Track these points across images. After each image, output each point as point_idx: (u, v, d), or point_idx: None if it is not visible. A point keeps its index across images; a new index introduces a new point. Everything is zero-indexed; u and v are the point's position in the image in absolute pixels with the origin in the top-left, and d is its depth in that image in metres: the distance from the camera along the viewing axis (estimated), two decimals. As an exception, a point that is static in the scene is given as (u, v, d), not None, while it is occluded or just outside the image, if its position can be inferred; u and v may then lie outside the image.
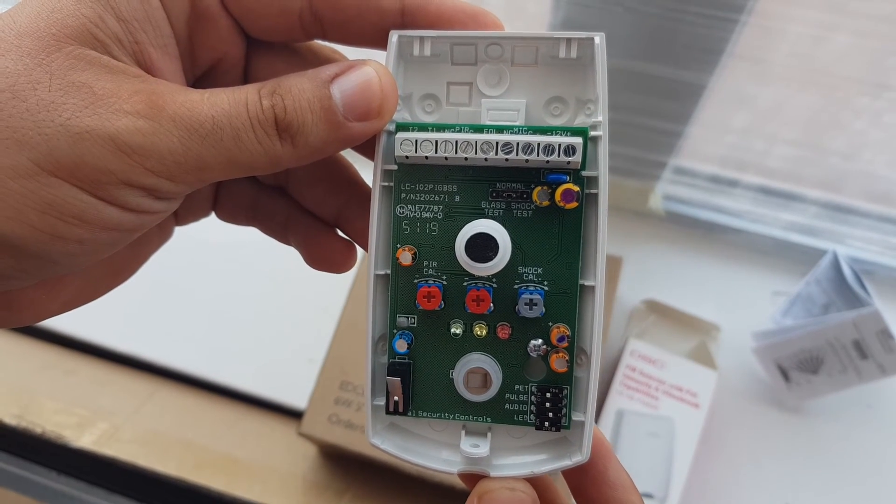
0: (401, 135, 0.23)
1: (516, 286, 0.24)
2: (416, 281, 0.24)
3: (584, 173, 0.23)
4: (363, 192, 0.28)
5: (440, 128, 0.23)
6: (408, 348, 0.24)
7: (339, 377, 0.52)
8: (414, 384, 0.25)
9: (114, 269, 0.27)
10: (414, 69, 0.25)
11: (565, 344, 0.24)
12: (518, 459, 0.25)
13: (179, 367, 0.61)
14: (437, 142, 0.23)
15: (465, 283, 0.24)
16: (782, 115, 0.58)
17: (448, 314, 0.24)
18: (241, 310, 0.64)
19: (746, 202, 0.63)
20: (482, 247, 0.22)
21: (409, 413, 0.25)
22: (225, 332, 0.62)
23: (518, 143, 0.23)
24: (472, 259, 0.22)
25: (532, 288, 0.24)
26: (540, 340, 0.24)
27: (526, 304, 0.23)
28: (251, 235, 0.65)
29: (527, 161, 0.23)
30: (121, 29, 0.21)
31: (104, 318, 0.63)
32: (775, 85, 0.56)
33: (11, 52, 0.19)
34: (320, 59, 0.27)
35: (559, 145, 0.22)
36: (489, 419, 0.25)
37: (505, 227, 0.23)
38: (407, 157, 0.23)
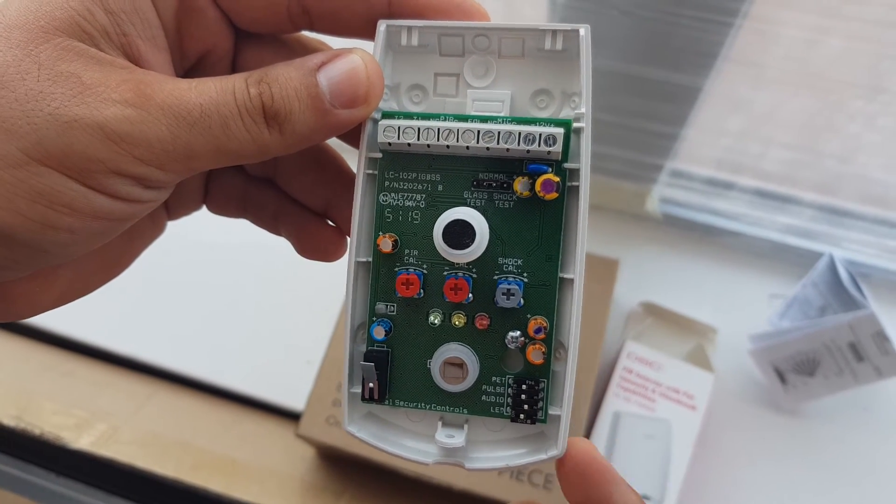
0: (384, 122, 0.24)
1: (496, 277, 0.24)
2: (396, 269, 0.24)
3: (566, 165, 0.23)
4: (351, 182, 0.28)
5: (425, 117, 0.24)
6: (385, 335, 0.24)
7: (337, 379, 0.52)
8: (391, 373, 0.25)
9: (107, 263, 0.27)
10: (402, 60, 0.25)
11: (542, 336, 0.24)
12: (494, 453, 0.25)
13: (178, 368, 0.61)
14: (419, 129, 0.23)
15: (444, 273, 0.24)
16: (777, 118, 0.58)
17: (427, 303, 0.24)
18: (240, 312, 0.64)
19: (743, 205, 0.63)
20: (459, 234, 0.22)
21: (386, 402, 0.25)
22: (223, 334, 0.62)
23: (499, 133, 0.23)
24: (448, 245, 0.22)
25: (511, 279, 0.24)
26: (518, 332, 0.24)
27: (503, 293, 0.23)
28: (249, 237, 0.66)
29: (508, 150, 0.23)
30: (109, 21, 0.21)
31: (103, 320, 0.63)
32: (770, 88, 0.56)
33: (0, 43, 0.19)
34: (308, 51, 0.27)
35: (540, 135, 0.23)
36: (465, 410, 0.25)
37: (486, 218, 0.23)
38: (390, 143, 0.24)
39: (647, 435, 0.53)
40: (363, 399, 0.25)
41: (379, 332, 0.24)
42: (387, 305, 0.25)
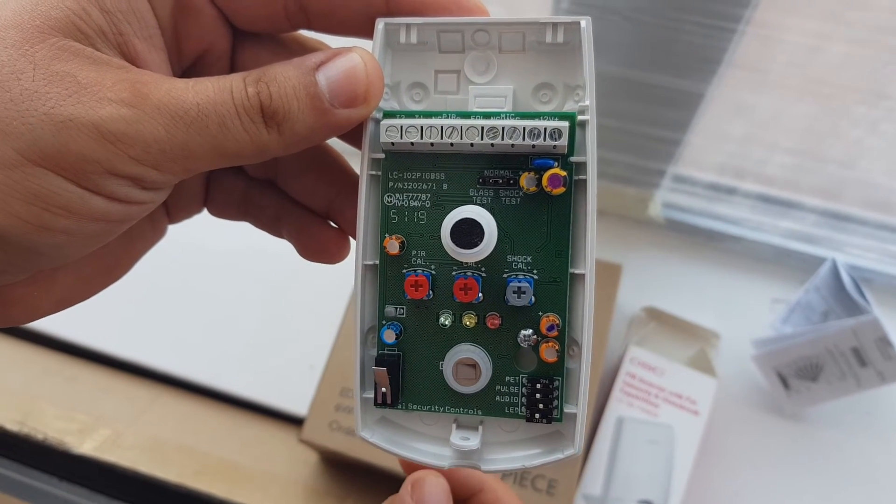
0: (386, 121, 0.23)
1: (505, 275, 0.24)
2: (404, 270, 0.24)
3: (571, 159, 0.23)
4: (353, 182, 0.28)
5: (427, 115, 0.23)
6: (396, 339, 0.24)
7: (340, 384, 0.52)
8: (403, 376, 0.25)
9: (106, 267, 0.27)
10: (401, 58, 0.25)
11: (555, 333, 0.23)
12: (510, 454, 0.25)
13: (181, 373, 0.61)
14: (422, 127, 0.23)
15: (453, 273, 0.24)
16: (780, 123, 0.58)
17: (437, 304, 0.24)
18: (243, 317, 0.64)
19: (745, 210, 0.63)
20: (467, 233, 0.22)
21: (399, 406, 0.25)
22: (226, 339, 0.62)
23: (503, 128, 0.23)
24: (457, 245, 0.22)
25: (521, 276, 0.24)
26: (530, 330, 0.23)
27: (514, 292, 0.23)
28: (252, 243, 0.66)
29: (513, 146, 0.23)
30: (105, 21, 0.21)
31: (106, 325, 0.63)
32: (773, 93, 0.56)
33: None
34: (306, 50, 0.27)
35: (545, 129, 0.22)
36: (480, 412, 0.24)
37: (493, 215, 0.23)
38: (393, 143, 0.23)
39: (650, 440, 0.52)
40: (376, 404, 0.25)
41: (389, 336, 0.24)
42: (396, 308, 0.25)
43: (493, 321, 0.24)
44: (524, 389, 0.24)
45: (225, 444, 0.57)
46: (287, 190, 0.29)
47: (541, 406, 0.24)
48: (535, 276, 0.24)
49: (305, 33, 0.27)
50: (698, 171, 0.63)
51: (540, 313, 0.24)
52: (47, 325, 0.63)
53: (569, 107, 0.24)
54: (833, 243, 0.62)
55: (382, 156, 0.24)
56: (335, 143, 0.28)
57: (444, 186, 0.24)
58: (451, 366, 0.24)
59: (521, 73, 0.25)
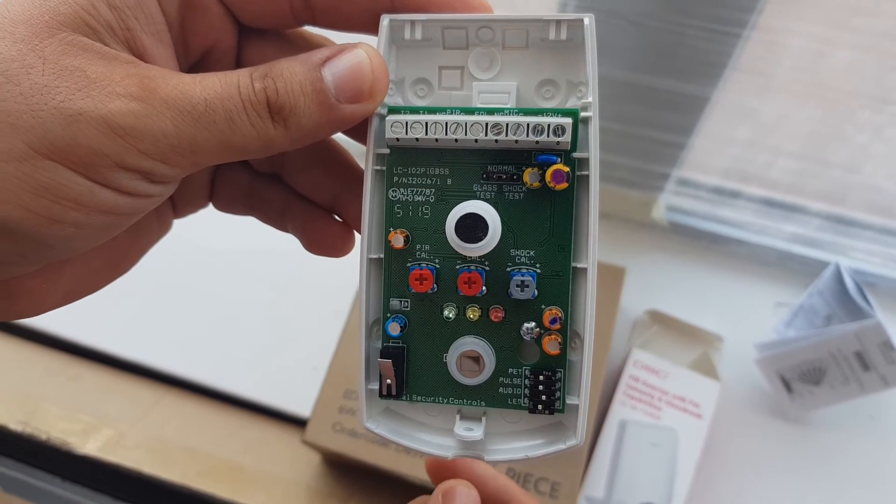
0: (391, 117, 0.24)
1: (508, 269, 0.24)
2: (408, 264, 0.24)
3: (574, 155, 0.23)
4: (358, 177, 0.28)
5: (432, 111, 0.24)
6: (401, 331, 0.24)
7: (343, 385, 0.52)
8: (408, 368, 0.25)
9: (113, 260, 0.27)
10: (406, 54, 0.25)
11: (557, 326, 0.24)
12: (513, 444, 0.25)
13: (184, 374, 0.61)
14: (427, 123, 0.23)
15: (457, 266, 0.24)
16: (785, 127, 0.58)
17: (441, 297, 0.25)
18: (247, 318, 0.64)
19: (749, 214, 0.63)
20: (472, 227, 0.22)
21: (404, 397, 0.25)
22: (230, 340, 0.62)
23: (507, 124, 0.23)
24: (461, 239, 0.22)
25: (524, 270, 0.24)
26: (533, 323, 0.24)
27: (517, 285, 0.23)
28: (257, 243, 0.66)
29: (516, 142, 0.23)
30: (113, 16, 0.21)
31: (110, 325, 0.63)
32: (778, 98, 0.56)
33: (5, 38, 0.19)
34: (311, 46, 0.27)
35: (548, 125, 0.23)
36: (483, 403, 0.25)
37: (497, 210, 0.23)
38: (398, 139, 0.24)
39: (652, 443, 0.53)
40: (381, 395, 0.25)
41: (394, 328, 0.24)
42: (401, 301, 0.25)
43: (497, 314, 0.24)
44: (527, 381, 0.24)
45: (228, 445, 0.57)
46: (293, 184, 0.30)
47: (543, 397, 0.24)
48: (538, 270, 0.24)
49: (310, 30, 0.27)
50: (702, 175, 0.63)
51: (542, 306, 0.24)
52: (51, 324, 0.63)
53: (572, 103, 0.25)
54: (837, 247, 0.62)
55: (387, 151, 0.25)
56: (340, 139, 0.28)
57: (449, 181, 0.24)
58: (454, 358, 0.24)
59: (525, 70, 0.25)
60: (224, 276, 0.66)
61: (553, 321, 0.24)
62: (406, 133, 0.23)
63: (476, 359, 0.24)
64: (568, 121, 0.23)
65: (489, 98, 0.25)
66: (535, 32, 0.24)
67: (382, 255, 0.25)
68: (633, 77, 0.54)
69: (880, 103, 0.53)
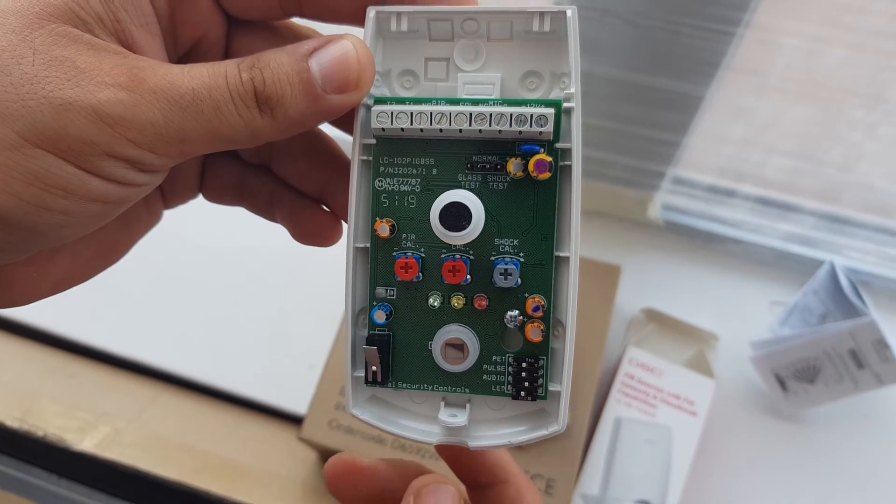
0: (377, 107, 0.24)
1: (492, 257, 0.24)
2: (394, 253, 0.25)
3: (557, 145, 0.24)
4: (345, 167, 0.28)
5: (417, 101, 0.24)
6: (386, 319, 0.25)
7: (339, 383, 0.52)
8: (394, 356, 0.25)
9: (103, 250, 0.28)
10: (392, 46, 0.26)
11: (540, 314, 0.24)
12: (496, 431, 0.25)
13: (181, 371, 0.61)
14: (412, 114, 0.23)
15: (442, 255, 0.24)
16: (779, 126, 0.58)
17: (426, 286, 0.25)
18: (243, 315, 0.64)
19: (744, 212, 0.63)
20: (455, 216, 0.23)
21: (389, 384, 0.25)
22: (226, 338, 0.63)
23: (491, 115, 0.23)
24: (446, 228, 0.23)
25: (508, 259, 0.24)
26: (516, 311, 0.24)
27: (501, 273, 0.24)
28: (253, 240, 0.66)
29: (500, 132, 0.23)
30: (102, 8, 0.21)
31: (107, 323, 0.64)
32: (772, 97, 0.57)
33: None
34: (299, 38, 0.27)
35: (531, 115, 0.23)
36: (467, 390, 0.25)
37: (481, 199, 0.24)
38: (383, 129, 0.24)
39: (647, 441, 0.53)
40: (367, 382, 0.25)
41: (380, 316, 0.25)
42: (387, 290, 0.25)
43: (481, 302, 0.24)
44: (510, 368, 0.25)
45: (225, 443, 0.57)
46: (281, 175, 0.30)
47: (526, 384, 0.24)
48: (522, 259, 0.24)
49: (298, 21, 0.27)
50: (697, 174, 0.63)
51: (526, 295, 0.24)
52: (48, 322, 0.64)
53: (555, 94, 0.25)
54: (831, 246, 0.62)
55: (373, 141, 0.25)
56: (327, 129, 0.28)
57: (434, 171, 0.25)
58: (439, 345, 0.24)
59: (509, 62, 0.25)
60: (221, 273, 0.66)
61: (536, 309, 0.24)
62: (391, 123, 0.24)
63: (460, 346, 0.24)
64: (550, 111, 0.23)
65: (474, 89, 0.25)
66: (519, 24, 0.25)
67: (368, 245, 0.25)
68: (627, 76, 0.55)
69: (874, 101, 0.54)
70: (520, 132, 0.23)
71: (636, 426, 0.53)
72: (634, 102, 0.56)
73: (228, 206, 0.31)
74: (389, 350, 0.25)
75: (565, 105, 0.24)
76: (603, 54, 0.53)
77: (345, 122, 0.26)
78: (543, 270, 0.24)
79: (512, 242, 0.24)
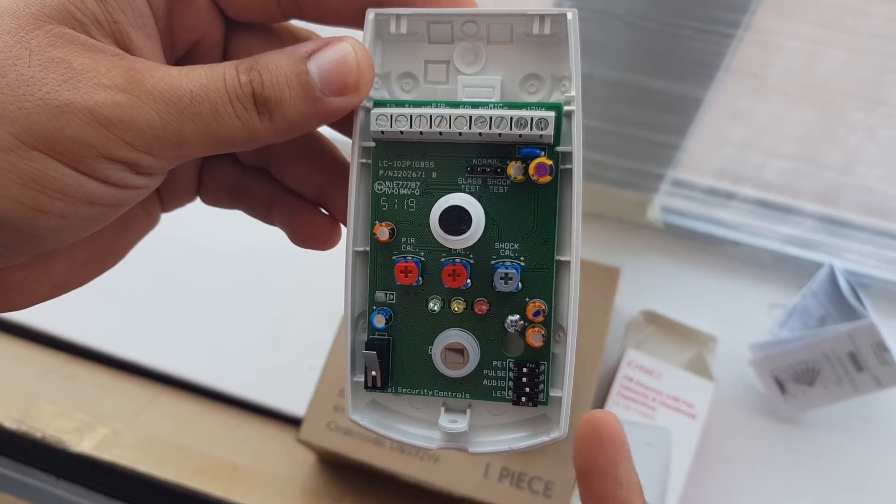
0: (376, 110, 0.24)
1: (493, 261, 0.24)
2: (394, 257, 0.25)
3: (558, 148, 0.23)
4: (344, 170, 0.28)
5: (417, 104, 0.24)
6: (386, 324, 0.25)
7: (338, 385, 0.52)
8: (393, 361, 0.25)
9: (100, 254, 0.27)
10: (391, 48, 0.26)
11: (541, 319, 0.24)
12: (497, 436, 0.25)
13: (179, 373, 0.61)
14: (411, 116, 0.23)
15: (442, 259, 0.24)
16: (778, 128, 0.58)
17: (426, 290, 0.25)
18: (242, 317, 0.64)
19: (743, 215, 0.63)
20: (455, 220, 0.22)
21: (389, 389, 0.25)
22: (225, 339, 0.62)
23: (491, 118, 0.23)
24: (445, 232, 0.22)
25: (508, 263, 0.24)
26: (517, 316, 0.24)
27: (501, 278, 0.24)
28: (252, 242, 0.66)
29: (500, 136, 0.23)
30: (99, 9, 0.21)
31: (105, 324, 0.64)
32: (771, 99, 0.57)
33: None
34: (297, 40, 0.27)
35: (531, 119, 0.23)
36: (468, 395, 0.25)
37: (481, 203, 0.23)
38: (383, 132, 0.24)
39: (646, 443, 0.53)
40: (366, 387, 0.25)
41: (379, 321, 0.25)
42: (386, 294, 0.25)
43: (481, 307, 0.24)
44: (511, 373, 0.24)
45: (223, 444, 0.57)
46: (279, 177, 0.30)
47: (527, 390, 0.24)
48: (522, 263, 0.24)
49: (296, 23, 0.27)
50: (697, 176, 0.63)
51: (526, 299, 0.24)
52: (47, 323, 0.63)
53: (555, 97, 0.25)
54: (830, 249, 0.62)
55: (373, 144, 0.25)
56: (326, 132, 0.28)
57: (433, 175, 0.24)
58: (439, 350, 0.24)
59: (509, 64, 0.25)
60: (219, 275, 0.66)
61: (537, 314, 0.24)
62: (391, 126, 0.24)
63: (460, 351, 0.24)
64: (551, 114, 0.23)
65: (474, 92, 0.25)
66: (519, 27, 0.24)
67: (368, 248, 0.25)
68: (627, 78, 0.54)
69: (873, 104, 0.54)
70: (520, 135, 0.23)
71: (635, 428, 0.53)
72: (633, 104, 0.56)
73: (226, 208, 0.31)
74: (389, 355, 0.25)
75: (566, 108, 0.23)
76: (602, 56, 0.53)
77: (344, 124, 0.26)
78: (544, 275, 0.24)
79: (512, 246, 0.24)
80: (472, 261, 0.24)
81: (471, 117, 0.23)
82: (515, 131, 0.23)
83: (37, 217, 0.20)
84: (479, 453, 0.25)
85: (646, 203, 0.64)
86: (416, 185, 0.25)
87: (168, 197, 0.30)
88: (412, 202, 0.25)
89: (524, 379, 0.24)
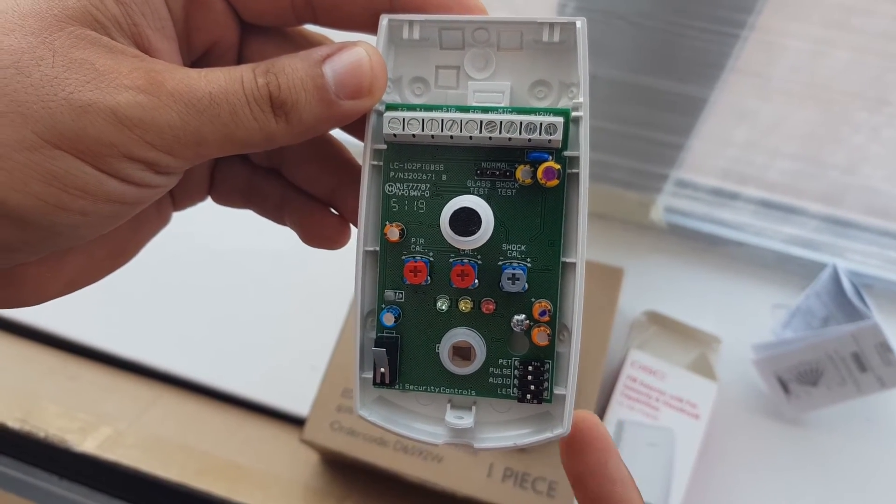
0: (389, 114, 0.24)
1: (500, 262, 0.25)
2: (403, 257, 0.25)
3: (565, 153, 0.24)
4: (355, 172, 0.29)
5: (428, 108, 0.24)
6: (395, 322, 0.25)
7: (341, 384, 0.52)
8: (401, 358, 0.26)
9: (114, 251, 0.28)
10: (404, 53, 0.26)
11: (547, 318, 0.24)
12: (502, 433, 0.26)
13: (182, 373, 0.61)
14: (423, 120, 0.24)
15: (450, 259, 0.25)
16: (783, 129, 0.58)
17: (434, 289, 0.25)
18: (245, 317, 0.64)
19: (747, 215, 0.63)
20: (465, 221, 0.23)
21: (396, 386, 0.26)
22: (228, 339, 0.63)
23: (501, 122, 0.23)
24: (455, 233, 0.23)
25: (515, 264, 0.24)
26: (523, 315, 0.24)
27: (508, 278, 0.24)
28: (256, 242, 0.66)
29: (510, 140, 0.24)
30: (119, 11, 0.21)
31: (108, 324, 0.64)
32: (776, 99, 0.57)
33: (16, 31, 0.20)
34: (311, 44, 0.27)
35: (540, 124, 0.23)
36: (474, 392, 0.25)
37: (490, 205, 0.24)
38: (395, 135, 0.24)
39: (650, 443, 0.53)
40: (374, 384, 0.25)
41: (388, 319, 0.25)
42: (395, 293, 0.25)
43: (488, 306, 0.25)
44: (516, 371, 0.25)
45: (226, 444, 0.57)
46: (291, 178, 0.30)
47: (532, 387, 0.25)
48: (529, 264, 0.24)
49: (310, 28, 0.27)
50: (701, 176, 0.63)
51: (533, 299, 0.25)
52: (50, 323, 0.64)
53: (563, 103, 0.25)
54: (834, 249, 0.62)
55: (384, 147, 0.25)
56: (338, 135, 0.29)
57: (444, 177, 0.25)
58: (446, 348, 0.25)
59: (519, 71, 0.26)
60: (223, 275, 0.66)
61: (542, 314, 0.24)
62: (403, 129, 0.24)
63: (467, 349, 0.24)
64: (559, 120, 0.23)
65: (484, 97, 0.25)
66: (529, 34, 0.25)
67: (378, 248, 0.25)
68: (631, 78, 0.54)
69: (878, 104, 0.54)
70: (529, 140, 0.23)
71: (638, 429, 0.53)
72: (638, 104, 0.56)
73: (237, 208, 0.31)
74: (397, 352, 0.25)
75: (574, 114, 0.24)
76: (607, 56, 0.53)
77: (356, 127, 0.26)
78: (550, 276, 0.24)
79: (520, 248, 0.25)
80: (479, 261, 0.25)
81: (481, 121, 0.23)
82: (525, 136, 0.23)
83: (58, 214, 0.20)
84: (483, 449, 0.25)
85: (649, 203, 0.64)
86: (427, 186, 0.25)
87: (180, 196, 0.30)
88: (422, 204, 0.25)
89: (529, 377, 0.25)
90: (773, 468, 0.56)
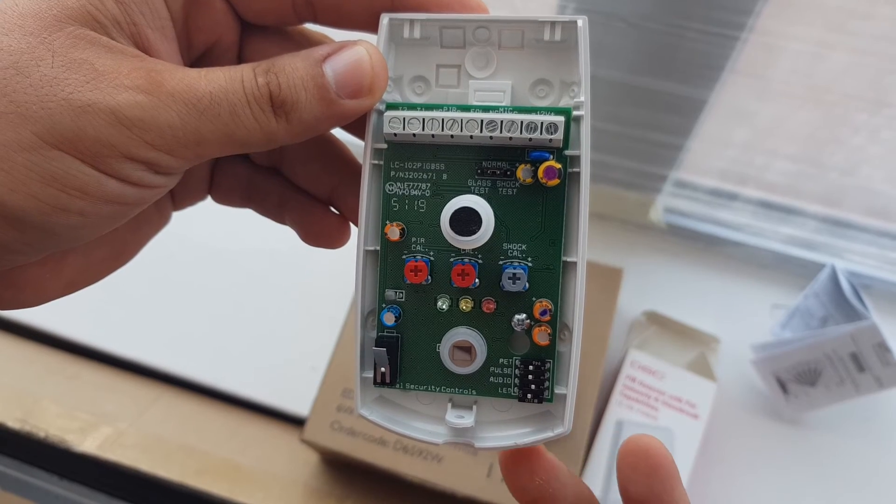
0: (389, 113, 0.24)
1: (501, 262, 0.25)
2: (403, 256, 0.25)
3: (566, 152, 0.24)
4: (356, 171, 0.29)
5: (429, 108, 0.24)
6: (395, 321, 0.25)
7: (341, 385, 0.52)
8: (402, 357, 0.25)
9: (114, 252, 0.28)
10: (404, 52, 0.26)
11: (547, 318, 0.24)
12: (502, 432, 0.26)
13: (183, 373, 0.61)
14: (424, 119, 0.24)
15: (451, 259, 0.25)
16: (782, 130, 0.58)
17: (435, 289, 0.25)
18: (245, 317, 0.64)
19: (746, 216, 0.63)
20: (466, 221, 0.23)
21: (397, 385, 0.26)
22: (228, 339, 0.63)
23: (502, 122, 0.23)
24: (456, 232, 0.23)
25: (516, 263, 0.24)
26: (524, 315, 0.24)
27: (509, 278, 0.24)
28: (256, 242, 0.66)
29: (510, 139, 0.24)
30: (119, 11, 0.21)
31: (108, 323, 0.64)
32: (775, 101, 0.57)
33: (15, 31, 0.20)
34: (311, 43, 0.27)
35: (541, 123, 0.23)
36: (474, 391, 0.25)
37: (490, 204, 0.24)
38: (395, 134, 0.24)
39: (649, 443, 0.53)
40: (375, 383, 0.25)
41: (389, 318, 0.25)
42: (396, 292, 0.25)
43: (489, 306, 0.25)
44: (517, 371, 0.25)
45: (226, 444, 0.57)
46: (291, 177, 0.30)
47: (533, 387, 0.25)
48: (530, 264, 0.24)
49: (310, 27, 0.27)
50: (700, 177, 0.64)
51: (533, 299, 0.25)
52: (50, 323, 0.63)
53: (564, 102, 0.25)
54: (833, 250, 0.62)
55: (385, 146, 0.25)
56: (338, 134, 0.29)
57: (444, 176, 0.25)
58: (447, 348, 0.25)
59: (520, 69, 0.25)
60: (223, 275, 0.66)
61: (543, 313, 0.24)
62: (403, 129, 0.24)
63: (468, 349, 0.24)
64: (560, 119, 0.23)
65: (485, 96, 0.25)
66: (530, 33, 0.25)
67: (378, 247, 0.25)
68: (631, 79, 0.55)
69: (877, 106, 0.54)
70: (530, 139, 0.23)
71: (638, 429, 0.53)
72: (637, 105, 0.56)
73: (237, 207, 0.31)
74: (398, 352, 0.25)
75: (575, 113, 0.24)
76: (606, 57, 0.53)
77: (356, 126, 0.26)
78: (551, 275, 0.24)
79: (520, 247, 0.25)
80: (480, 261, 0.25)
81: (482, 121, 0.23)
82: (526, 135, 0.23)
83: (57, 215, 0.20)
84: (484, 448, 0.25)
85: (649, 204, 0.64)
86: (427, 186, 0.25)
87: (180, 195, 0.30)
88: (422, 203, 0.25)
89: (530, 376, 0.25)
90: (772, 468, 0.56)
